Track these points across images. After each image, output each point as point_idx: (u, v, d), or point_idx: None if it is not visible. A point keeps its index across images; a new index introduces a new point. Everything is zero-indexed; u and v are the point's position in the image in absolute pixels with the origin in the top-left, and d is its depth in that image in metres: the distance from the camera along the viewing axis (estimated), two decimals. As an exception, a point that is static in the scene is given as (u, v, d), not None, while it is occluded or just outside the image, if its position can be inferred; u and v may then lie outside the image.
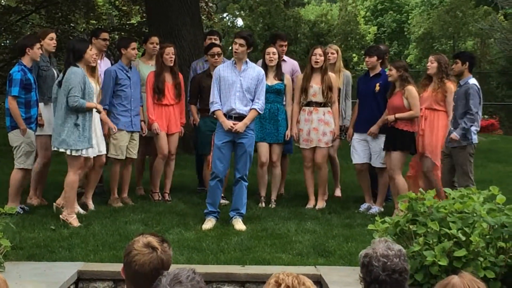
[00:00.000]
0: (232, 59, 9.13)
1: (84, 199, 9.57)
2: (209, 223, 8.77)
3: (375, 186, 10.24)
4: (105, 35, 10.56)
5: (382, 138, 9.82)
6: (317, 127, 10.00)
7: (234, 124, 8.83)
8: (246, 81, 8.94)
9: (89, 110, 8.68)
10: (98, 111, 9.05)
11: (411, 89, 9.48)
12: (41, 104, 9.50)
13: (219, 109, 8.91)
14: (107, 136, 9.66)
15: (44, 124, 9.48)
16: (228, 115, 8.90)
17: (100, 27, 18.36)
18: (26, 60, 9.19)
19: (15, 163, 9.19)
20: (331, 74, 10.07)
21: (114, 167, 9.95)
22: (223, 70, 9.03)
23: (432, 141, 9.54)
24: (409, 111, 9.47)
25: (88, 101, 8.60)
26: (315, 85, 9.97)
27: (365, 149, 10.06)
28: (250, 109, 8.92)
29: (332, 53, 10.48)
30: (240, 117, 8.89)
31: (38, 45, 9.25)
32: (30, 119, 9.16)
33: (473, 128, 9.15)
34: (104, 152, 9.49)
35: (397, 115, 9.49)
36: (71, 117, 8.55)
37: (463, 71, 9.27)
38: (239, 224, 8.78)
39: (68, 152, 8.55)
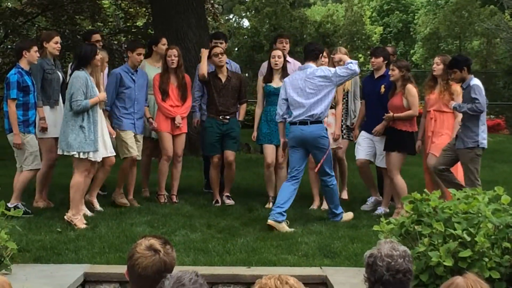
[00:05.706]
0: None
1: (89, 197, 9.49)
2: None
3: (382, 187, 10.23)
4: (96, 36, 10.60)
5: (388, 139, 9.82)
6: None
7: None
8: None
9: (95, 109, 8.70)
10: (103, 102, 9.06)
11: (411, 88, 9.47)
12: (46, 107, 9.48)
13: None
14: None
15: (47, 127, 9.44)
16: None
17: (91, 29, 18.14)
18: (23, 63, 9.15)
19: (23, 166, 9.18)
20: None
21: (124, 163, 9.92)
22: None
23: (440, 142, 9.52)
24: (407, 111, 9.48)
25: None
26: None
27: (369, 147, 10.04)
28: None
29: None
30: None
31: (35, 48, 9.20)
32: (28, 121, 9.13)
33: (481, 131, 9.04)
34: (114, 153, 9.39)
35: (396, 115, 9.50)
36: (75, 120, 8.58)
37: (463, 76, 9.15)
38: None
39: (75, 155, 8.59)
